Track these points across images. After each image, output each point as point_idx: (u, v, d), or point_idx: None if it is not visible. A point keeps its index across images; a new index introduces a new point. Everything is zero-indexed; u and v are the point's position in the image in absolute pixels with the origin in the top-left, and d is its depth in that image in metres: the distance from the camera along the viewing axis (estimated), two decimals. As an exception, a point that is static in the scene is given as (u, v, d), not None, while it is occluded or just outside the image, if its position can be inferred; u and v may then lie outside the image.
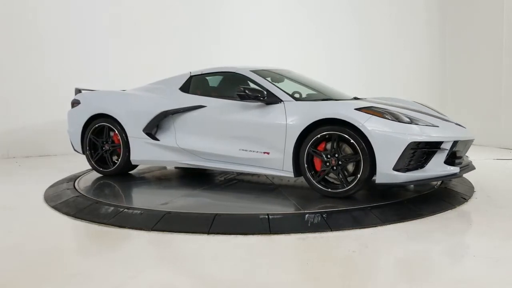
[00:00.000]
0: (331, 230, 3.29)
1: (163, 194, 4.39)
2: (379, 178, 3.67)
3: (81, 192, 4.41)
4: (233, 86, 4.81)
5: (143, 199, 4.40)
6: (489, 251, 2.91)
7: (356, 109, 3.79)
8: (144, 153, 4.83)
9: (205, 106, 4.54)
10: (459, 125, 4.26)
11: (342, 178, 3.83)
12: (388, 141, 3.60)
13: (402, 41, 8.95)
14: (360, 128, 3.67)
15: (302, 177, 4.08)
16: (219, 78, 5.00)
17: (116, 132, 4.95)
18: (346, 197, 3.85)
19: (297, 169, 4.06)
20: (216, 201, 4.14)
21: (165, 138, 4.73)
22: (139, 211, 3.69)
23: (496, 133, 7.56)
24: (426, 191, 4.20)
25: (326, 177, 3.95)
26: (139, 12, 7.71)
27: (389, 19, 8.88)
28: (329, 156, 3.86)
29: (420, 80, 8.98)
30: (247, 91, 4.18)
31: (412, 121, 3.79)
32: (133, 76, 7.24)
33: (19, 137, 7.20)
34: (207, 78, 4.98)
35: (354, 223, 3.40)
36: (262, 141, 4.17)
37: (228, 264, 2.80)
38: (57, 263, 2.87)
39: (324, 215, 3.46)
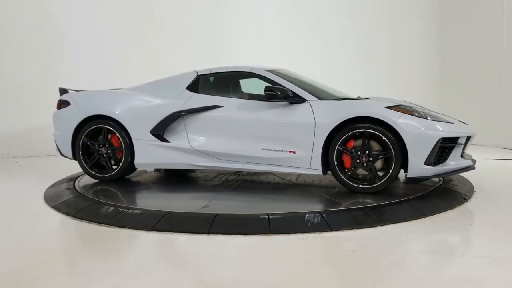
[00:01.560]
0: (331, 230, 3.29)
1: (176, 198, 4.33)
2: (410, 173, 3.88)
3: (81, 192, 4.40)
4: (248, 85, 4.76)
5: (161, 202, 4.11)
6: (489, 251, 2.90)
7: (386, 107, 3.97)
8: (151, 156, 4.59)
9: (222, 106, 4.45)
10: (462, 122, 4.38)
11: (373, 174, 3.96)
12: (420, 137, 3.81)
13: (401, 41, 8.93)
14: (393, 126, 3.84)
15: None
16: (231, 77, 4.88)
17: (117, 134, 4.69)
18: (374, 193, 3.99)
19: (325, 167, 4.13)
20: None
21: (176, 139, 4.53)
22: (139, 211, 3.69)
23: (496, 133, 7.55)
24: (426, 191, 4.20)
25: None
26: (134, 12, 7.71)
27: (387, 19, 8.87)
28: (359, 153, 3.95)
29: (419, 80, 8.96)
30: (274, 91, 4.18)
31: (433, 118, 4.00)
32: (122, 76, 7.24)
33: (19, 137, 7.20)
34: (217, 77, 4.85)
35: (354, 223, 3.40)
36: (287, 140, 4.18)
37: (228, 264, 2.80)
38: (57, 263, 2.88)
39: (324, 215, 3.46)
